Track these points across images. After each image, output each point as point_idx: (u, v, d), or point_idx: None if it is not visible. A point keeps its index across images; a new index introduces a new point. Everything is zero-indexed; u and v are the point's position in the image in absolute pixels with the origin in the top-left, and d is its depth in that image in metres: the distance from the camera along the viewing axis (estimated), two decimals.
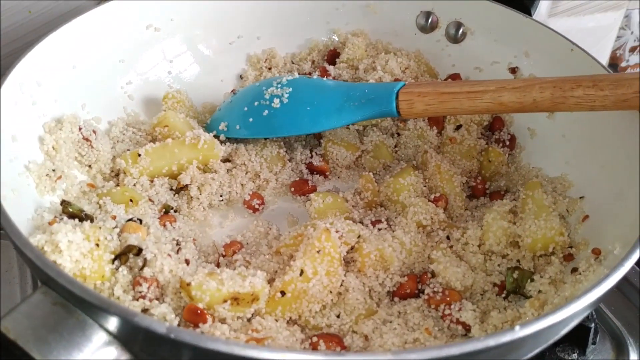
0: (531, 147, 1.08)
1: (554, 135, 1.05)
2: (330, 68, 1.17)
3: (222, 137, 1.04)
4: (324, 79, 1.11)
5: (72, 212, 0.84)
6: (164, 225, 0.92)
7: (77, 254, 0.75)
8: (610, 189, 0.91)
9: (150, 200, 0.95)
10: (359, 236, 0.89)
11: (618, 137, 0.93)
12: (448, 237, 0.92)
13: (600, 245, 0.84)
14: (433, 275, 0.87)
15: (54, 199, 0.88)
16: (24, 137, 0.88)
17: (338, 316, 0.82)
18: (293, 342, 0.78)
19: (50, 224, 0.79)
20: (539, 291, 0.83)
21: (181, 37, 1.16)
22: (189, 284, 0.76)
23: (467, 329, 0.80)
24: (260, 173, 1.03)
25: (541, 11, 1.41)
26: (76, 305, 0.63)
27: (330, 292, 0.83)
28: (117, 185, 0.97)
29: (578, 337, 0.89)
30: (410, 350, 0.75)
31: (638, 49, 1.71)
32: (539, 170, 1.04)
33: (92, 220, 0.85)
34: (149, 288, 0.77)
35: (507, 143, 1.08)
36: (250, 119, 1.03)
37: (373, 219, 0.95)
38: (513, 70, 1.12)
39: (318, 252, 0.83)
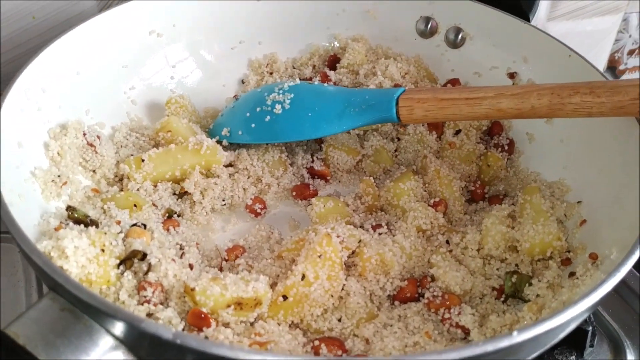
0: (529, 151, 1.10)
1: (552, 140, 1.06)
2: (331, 73, 1.19)
3: (224, 142, 1.05)
4: (325, 84, 1.12)
5: (77, 218, 0.86)
6: (168, 230, 0.93)
7: (83, 260, 0.76)
8: (607, 194, 0.92)
9: (153, 204, 0.96)
10: (359, 241, 0.91)
11: (615, 142, 0.94)
12: (447, 242, 0.93)
13: (597, 249, 0.85)
14: (433, 279, 0.88)
15: (59, 205, 0.89)
16: (30, 143, 0.89)
17: (339, 320, 0.84)
18: (295, 346, 0.79)
19: (56, 229, 0.80)
20: (537, 295, 0.85)
21: (183, 43, 1.17)
22: (193, 289, 0.77)
23: (466, 332, 0.81)
24: (262, 177, 1.05)
25: (540, 15, 1.42)
26: (83, 310, 0.64)
27: (332, 296, 0.84)
28: (121, 190, 0.98)
29: (576, 340, 0.90)
30: (411, 355, 0.76)
31: (636, 51, 1.72)
32: (537, 175, 1.05)
33: (97, 226, 0.87)
34: (153, 292, 0.79)
35: (506, 148, 1.09)
36: (253, 125, 1.04)
37: (373, 224, 0.96)
38: (512, 76, 1.13)
39: (319, 256, 0.84)
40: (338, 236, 0.88)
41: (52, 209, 0.87)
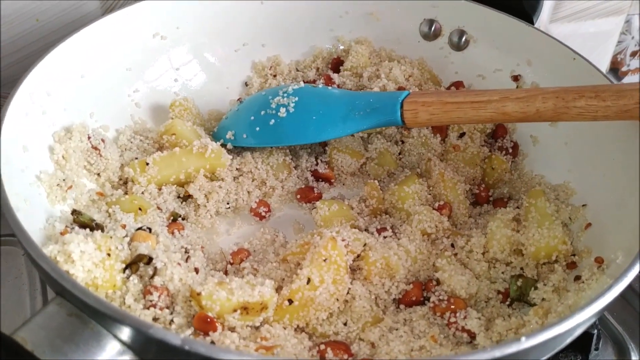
0: (534, 154, 1.10)
1: (556, 143, 1.06)
2: (335, 76, 1.18)
3: (229, 145, 1.05)
4: (329, 87, 1.12)
5: (83, 222, 0.86)
6: (172, 233, 0.93)
7: (89, 264, 0.76)
8: (612, 198, 0.92)
9: (158, 208, 0.96)
10: (364, 244, 0.91)
11: (620, 145, 0.94)
12: (452, 245, 0.93)
13: (602, 253, 0.86)
14: (438, 282, 0.89)
15: (65, 208, 0.89)
16: (35, 147, 0.89)
17: (345, 324, 0.84)
18: (301, 350, 0.79)
19: (62, 234, 0.80)
20: (543, 299, 0.85)
21: (187, 45, 1.17)
22: (199, 294, 0.77)
23: (472, 336, 0.81)
24: (266, 180, 1.05)
25: (542, 17, 1.42)
26: (91, 316, 0.64)
27: (337, 300, 0.84)
28: (126, 193, 0.98)
29: (581, 343, 0.90)
30: (417, 359, 0.76)
31: (639, 53, 1.72)
32: (541, 178, 1.05)
33: (102, 230, 0.87)
34: (159, 297, 0.79)
35: (510, 150, 1.09)
36: (257, 128, 1.04)
37: (378, 227, 0.96)
38: (516, 78, 1.13)
39: (325, 260, 0.84)
40: (343, 240, 0.88)
41: (57, 213, 0.87)
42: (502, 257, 0.91)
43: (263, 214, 1.02)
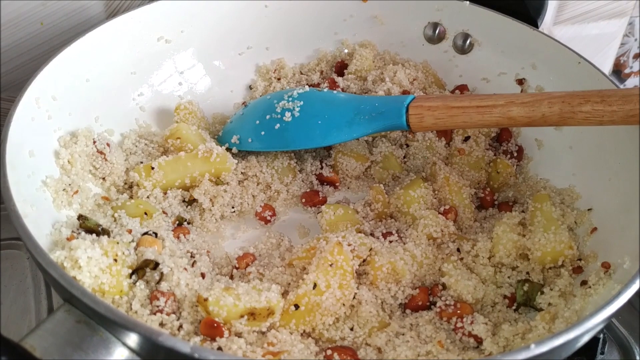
0: (538, 158, 1.10)
1: (561, 147, 1.06)
2: (339, 79, 1.18)
3: (233, 149, 1.05)
4: (334, 91, 1.12)
5: (89, 227, 0.86)
6: (178, 238, 0.93)
7: (96, 270, 0.76)
8: (618, 202, 0.92)
9: (163, 212, 0.96)
10: (370, 249, 0.91)
11: (625, 149, 0.94)
12: (458, 250, 0.93)
13: (609, 258, 0.86)
14: (444, 287, 0.89)
15: (70, 213, 0.89)
16: (41, 152, 0.89)
17: (351, 329, 0.84)
18: (308, 355, 0.79)
19: (68, 239, 0.80)
20: (549, 304, 0.85)
21: (191, 49, 1.17)
22: (206, 300, 0.77)
23: (479, 341, 0.81)
24: (271, 184, 1.05)
25: (546, 20, 1.42)
26: (99, 323, 0.64)
27: (343, 304, 0.84)
28: (131, 197, 0.98)
29: (587, 347, 0.90)
30: None
31: None
32: (546, 182, 1.05)
33: (108, 235, 0.87)
34: (166, 302, 0.79)
35: (515, 154, 1.09)
36: (262, 132, 1.04)
37: (384, 231, 0.96)
38: (520, 82, 1.13)
39: (331, 265, 0.84)
40: (349, 245, 0.88)
41: (63, 218, 0.87)
42: (508, 262, 0.90)
43: (268, 218, 1.02)
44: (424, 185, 1.01)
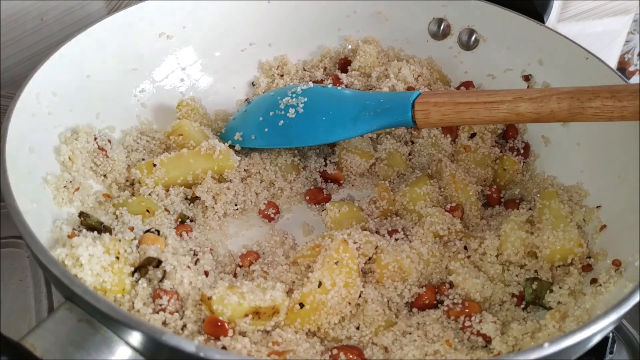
0: (545, 155, 1.08)
1: (568, 144, 1.05)
2: (343, 76, 1.17)
3: (236, 146, 1.04)
4: (339, 87, 1.11)
5: (90, 224, 0.84)
6: (181, 236, 0.92)
7: (97, 268, 0.75)
8: (627, 199, 0.91)
9: (166, 210, 0.95)
10: (376, 247, 0.89)
11: (635, 145, 0.93)
12: (465, 247, 0.92)
13: (619, 255, 0.84)
14: (451, 285, 0.87)
15: (71, 210, 0.87)
16: (41, 148, 0.88)
17: (357, 328, 0.82)
18: (313, 355, 0.78)
19: (69, 237, 0.79)
20: (559, 302, 0.83)
21: (193, 45, 1.16)
22: (210, 298, 0.76)
23: (487, 340, 0.80)
24: (274, 182, 1.03)
25: (550, 17, 1.41)
26: (102, 321, 0.63)
27: (349, 303, 0.83)
28: (133, 194, 0.97)
29: (596, 347, 0.89)
30: None
31: None
32: (553, 179, 1.04)
33: (110, 232, 0.85)
34: (169, 301, 0.77)
35: (522, 151, 1.08)
36: (266, 129, 1.03)
37: (389, 229, 0.95)
38: (527, 78, 1.12)
39: (336, 263, 0.83)
40: (354, 242, 0.87)
41: (64, 215, 0.86)
42: (516, 260, 0.89)
43: (272, 215, 1.01)
44: (430, 183, 1.00)
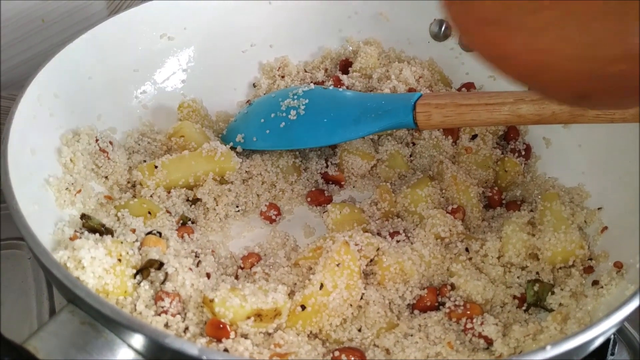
0: (547, 156, 1.08)
1: (569, 145, 1.05)
2: (344, 77, 1.17)
3: (238, 148, 1.04)
4: (340, 89, 1.11)
5: (92, 226, 0.84)
6: (182, 237, 0.92)
7: (99, 270, 0.75)
8: (628, 201, 0.91)
9: (167, 211, 0.95)
10: (377, 249, 0.89)
11: (636, 147, 0.93)
12: (467, 249, 0.92)
13: (620, 257, 0.84)
14: (452, 287, 0.87)
15: (73, 212, 0.88)
16: (43, 150, 0.88)
17: (359, 330, 0.82)
18: (315, 357, 0.78)
19: (71, 239, 0.79)
20: (560, 304, 0.83)
21: (194, 46, 1.16)
22: (212, 301, 0.76)
23: (489, 342, 0.80)
24: (276, 183, 1.03)
25: None
26: (104, 324, 0.63)
27: (351, 305, 0.83)
28: (134, 196, 0.97)
29: (597, 349, 0.89)
30: None
31: None
32: (555, 180, 1.04)
33: (112, 234, 0.85)
34: (171, 303, 0.77)
35: (523, 153, 1.08)
36: (267, 131, 1.03)
37: (391, 231, 0.95)
38: None
39: (337, 265, 0.83)
40: (356, 244, 0.87)
41: (65, 217, 0.86)
42: (517, 262, 0.89)
43: (273, 217, 1.01)
44: (431, 184, 1.00)
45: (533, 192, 1.03)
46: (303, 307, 0.81)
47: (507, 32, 0.55)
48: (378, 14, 1.23)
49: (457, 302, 0.84)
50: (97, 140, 0.96)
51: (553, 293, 0.85)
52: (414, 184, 1.01)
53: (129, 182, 0.99)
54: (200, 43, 1.16)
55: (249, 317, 0.76)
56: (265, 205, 1.01)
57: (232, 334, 0.75)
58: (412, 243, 0.92)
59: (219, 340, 0.75)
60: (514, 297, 0.87)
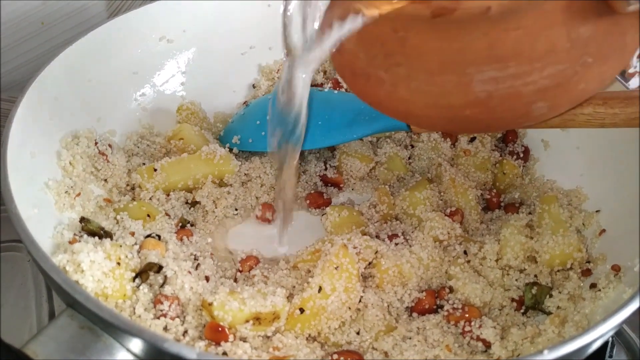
0: (545, 159, 1.08)
1: (567, 147, 1.05)
2: None
3: (235, 149, 1.04)
4: (336, 91, 1.11)
5: (91, 230, 0.85)
6: (181, 240, 0.92)
7: (98, 274, 0.75)
8: (626, 203, 0.91)
9: (166, 214, 0.95)
10: (376, 252, 0.90)
11: (634, 149, 0.93)
12: (465, 252, 0.92)
13: (618, 260, 0.85)
14: (451, 290, 0.87)
15: (72, 215, 0.88)
16: (42, 153, 0.88)
17: (358, 333, 0.83)
18: None
19: (71, 242, 0.79)
20: (558, 307, 0.84)
21: (194, 49, 1.16)
22: (210, 304, 0.76)
23: (487, 345, 0.80)
24: (274, 186, 1.03)
25: None
26: (104, 329, 0.63)
27: (349, 308, 0.83)
28: (133, 198, 0.97)
29: (595, 351, 0.89)
30: None
31: None
32: (553, 183, 1.04)
33: (111, 237, 0.86)
34: (170, 306, 0.78)
35: (521, 155, 1.08)
36: (263, 133, 1.03)
37: (389, 233, 0.95)
38: None
39: (336, 268, 0.83)
40: (354, 247, 0.87)
41: (65, 220, 0.86)
42: (515, 264, 0.89)
43: (270, 217, 1.00)
44: (430, 187, 1.00)
45: (531, 194, 1.04)
46: (302, 310, 0.81)
47: (373, 84, 0.64)
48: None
49: (455, 305, 0.84)
50: (96, 143, 0.97)
51: (551, 296, 0.85)
52: (413, 186, 1.01)
53: (128, 185, 0.99)
54: (199, 45, 1.16)
55: (247, 321, 0.76)
56: (259, 208, 1.00)
57: (230, 337, 0.76)
58: (410, 246, 0.92)
59: (218, 344, 0.75)
60: (512, 299, 0.87)
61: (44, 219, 0.82)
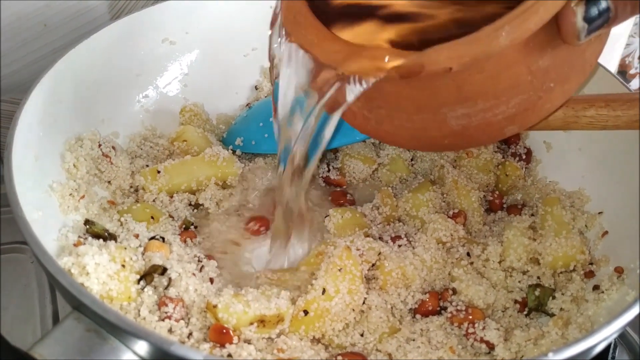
0: (547, 160, 1.09)
1: (570, 149, 1.05)
2: None
3: (238, 151, 1.05)
4: None
5: (96, 232, 0.85)
6: (185, 242, 0.92)
7: (104, 276, 0.75)
8: (628, 205, 0.91)
9: (170, 216, 0.95)
10: (379, 253, 0.90)
11: (635, 151, 0.93)
12: (468, 254, 0.92)
13: (621, 262, 0.85)
14: (454, 292, 0.88)
15: (77, 218, 0.88)
16: (46, 156, 0.88)
17: (362, 334, 0.83)
18: None
19: (75, 245, 0.80)
20: (561, 309, 0.84)
21: (196, 50, 1.16)
22: (215, 306, 0.76)
23: (490, 347, 0.80)
24: (276, 198, 1.04)
25: None
26: (110, 332, 0.64)
27: (353, 310, 0.83)
28: (137, 200, 0.97)
29: (599, 353, 0.89)
30: None
31: None
32: (555, 184, 1.04)
33: (115, 240, 0.86)
34: (174, 308, 0.78)
35: (524, 157, 1.08)
36: (266, 135, 1.03)
37: (392, 235, 0.95)
38: None
39: (339, 270, 0.84)
40: (358, 249, 0.87)
41: (69, 223, 0.86)
42: (518, 266, 0.90)
43: (261, 230, 0.98)
44: (433, 189, 1.01)
45: (534, 195, 1.04)
46: (306, 312, 0.81)
47: (360, 121, 0.75)
48: None
49: (458, 307, 0.85)
50: (100, 145, 0.97)
51: (554, 298, 0.86)
52: (415, 188, 1.01)
53: (131, 187, 0.99)
54: (202, 47, 1.16)
55: (252, 323, 0.77)
56: (246, 222, 0.98)
57: (235, 340, 0.76)
58: (413, 248, 0.92)
59: (223, 346, 0.75)
60: (515, 301, 0.87)
61: (48, 221, 0.82)
